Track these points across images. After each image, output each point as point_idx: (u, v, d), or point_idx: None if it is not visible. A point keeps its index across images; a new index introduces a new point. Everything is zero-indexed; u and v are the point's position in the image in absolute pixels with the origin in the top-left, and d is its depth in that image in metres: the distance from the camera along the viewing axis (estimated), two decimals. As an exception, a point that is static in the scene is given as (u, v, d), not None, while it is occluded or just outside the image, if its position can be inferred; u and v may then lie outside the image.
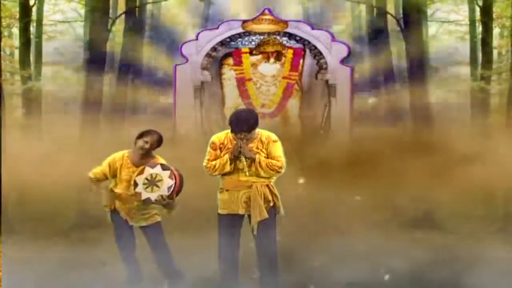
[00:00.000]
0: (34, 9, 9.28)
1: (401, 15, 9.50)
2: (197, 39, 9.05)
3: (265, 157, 5.15)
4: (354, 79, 9.05)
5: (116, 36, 9.63)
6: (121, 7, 9.78)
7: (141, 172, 5.27)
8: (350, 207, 7.67)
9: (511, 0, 9.24)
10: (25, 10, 9.18)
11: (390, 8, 9.88)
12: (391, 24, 9.73)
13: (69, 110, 9.00)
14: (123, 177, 5.37)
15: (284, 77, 9.13)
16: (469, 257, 6.36)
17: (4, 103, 8.65)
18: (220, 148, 5.21)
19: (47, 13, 9.55)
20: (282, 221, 5.39)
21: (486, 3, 9.23)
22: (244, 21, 9.07)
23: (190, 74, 9.01)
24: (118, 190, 5.40)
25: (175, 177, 5.26)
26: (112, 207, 5.43)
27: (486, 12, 9.24)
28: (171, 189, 5.24)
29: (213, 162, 5.18)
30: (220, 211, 5.27)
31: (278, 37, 9.07)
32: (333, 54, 9.02)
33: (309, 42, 9.06)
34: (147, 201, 5.29)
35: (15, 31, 9.37)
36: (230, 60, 9.18)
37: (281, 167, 5.17)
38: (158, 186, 5.25)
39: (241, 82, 9.14)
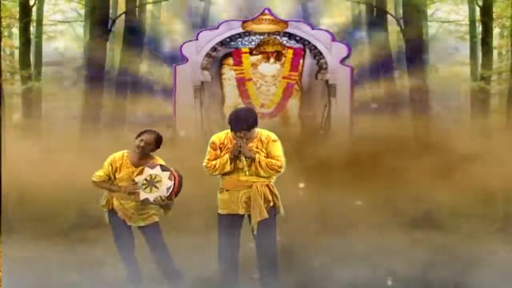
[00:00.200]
0: (34, 9, 9.27)
1: (401, 15, 9.50)
2: (197, 39, 9.06)
3: (264, 156, 5.15)
4: (354, 79, 9.05)
5: (116, 36, 9.63)
6: (121, 7, 9.77)
7: (140, 173, 5.27)
8: (350, 207, 7.67)
9: (511, 0, 9.23)
10: (25, 10, 9.18)
11: (390, 8, 9.87)
12: (391, 24, 9.73)
13: (69, 110, 8.99)
14: (123, 177, 5.37)
15: (284, 77, 9.13)
16: (469, 257, 6.36)
17: (4, 103, 8.64)
18: (220, 148, 5.22)
19: (47, 13, 9.55)
20: (282, 221, 5.39)
21: (486, 3, 9.23)
22: (244, 21, 9.07)
23: (190, 74, 9.01)
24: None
25: (174, 178, 5.26)
26: (110, 207, 5.42)
27: (486, 12, 9.24)
28: (170, 190, 5.24)
29: (213, 162, 5.18)
30: (220, 211, 5.27)
31: (278, 37, 9.07)
32: (333, 54, 9.02)
33: (309, 42, 9.07)
34: (146, 202, 5.29)
35: (15, 31, 9.37)
36: (230, 60, 9.18)
37: (280, 167, 5.17)
38: (157, 187, 5.25)
39: (241, 82, 9.14)
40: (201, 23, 9.81)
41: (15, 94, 9.21)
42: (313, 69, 9.17)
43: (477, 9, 9.39)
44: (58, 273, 5.92)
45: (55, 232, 7.37)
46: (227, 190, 5.24)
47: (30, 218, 7.57)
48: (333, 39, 9.07)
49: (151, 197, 5.26)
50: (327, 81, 9.08)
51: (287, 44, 9.10)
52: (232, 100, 9.04)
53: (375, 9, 9.99)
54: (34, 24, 9.37)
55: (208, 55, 9.06)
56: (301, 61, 9.14)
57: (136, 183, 5.26)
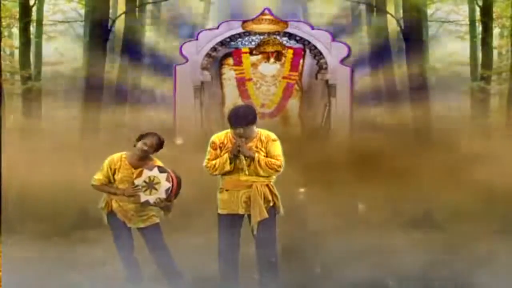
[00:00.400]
0: (34, 9, 9.27)
1: (401, 15, 9.50)
2: (197, 39, 9.06)
3: (264, 156, 5.16)
4: (353, 79, 9.05)
5: (116, 37, 9.63)
6: (121, 7, 9.78)
7: (139, 175, 5.27)
8: (351, 207, 7.67)
9: (511, 0, 9.24)
10: (25, 10, 9.18)
11: (390, 8, 9.88)
12: (391, 24, 9.73)
13: (69, 110, 8.99)
14: (122, 179, 5.36)
15: (284, 77, 9.14)
16: (469, 257, 6.36)
17: (4, 103, 8.64)
18: (220, 148, 5.22)
19: (47, 13, 9.55)
20: (282, 221, 5.38)
21: (486, 3, 9.23)
22: (244, 21, 9.08)
23: (190, 74, 9.02)
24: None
25: (172, 179, 5.26)
26: (109, 209, 5.42)
27: (486, 12, 9.25)
28: (168, 192, 5.24)
29: (213, 162, 5.18)
30: (220, 211, 5.27)
31: (278, 37, 9.08)
32: (333, 54, 9.03)
33: (309, 42, 9.07)
34: (146, 204, 5.29)
35: (15, 31, 9.37)
36: (230, 60, 9.18)
37: (280, 166, 5.17)
38: (156, 189, 5.25)
39: (241, 82, 9.14)
40: (201, 23, 9.82)
41: (15, 94, 9.21)
42: (313, 69, 9.17)
43: (477, 9, 9.39)
44: (58, 273, 5.92)
45: (55, 232, 7.37)
46: (227, 190, 5.24)
47: (30, 218, 7.57)
48: (333, 39, 9.07)
49: (151, 199, 5.26)
50: (327, 81, 9.08)
51: (287, 44, 9.10)
52: (232, 100, 9.04)
53: (375, 9, 9.99)
54: (34, 24, 9.37)
55: (208, 55, 9.06)
56: (301, 61, 9.15)
57: (136, 186, 5.26)
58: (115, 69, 9.53)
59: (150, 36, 9.79)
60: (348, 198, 7.63)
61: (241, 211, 5.22)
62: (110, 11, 9.47)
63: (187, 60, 9.01)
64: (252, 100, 8.97)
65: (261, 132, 5.25)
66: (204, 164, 5.23)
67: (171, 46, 9.47)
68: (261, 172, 5.15)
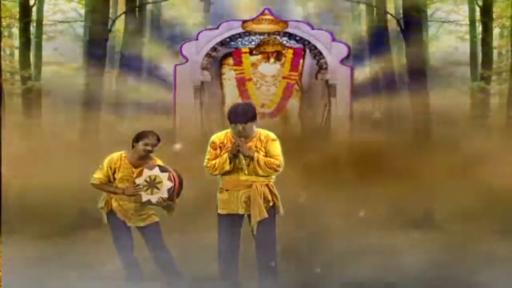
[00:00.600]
0: (34, 9, 9.28)
1: (401, 15, 9.50)
2: (197, 39, 9.06)
3: (263, 155, 5.16)
4: (354, 79, 9.06)
5: (116, 36, 9.64)
6: (121, 7, 9.79)
7: (140, 174, 5.26)
8: (351, 207, 7.66)
9: (511, 0, 9.24)
10: (25, 10, 9.19)
11: (390, 8, 9.89)
12: (391, 24, 9.73)
13: (69, 110, 8.99)
14: (122, 178, 5.36)
15: (284, 77, 9.14)
16: (469, 257, 6.36)
17: (4, 103, 8.64)
18: (220, 148, 5.22)
19: (47, 13, 9.56)
20: (282, 221, 5.38)
21: (486, 3, 9.24)
22: (244, 21, 9.08)
23: (190, 74, 9.02)
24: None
25: (174, 179, 5.25)
26: (109, 208, 5.42)
27: (486, 12, 9.26)
28: (171, 191, 5.24)
29: (213, 162, 5.18)
30: (219, 211, 5.27)
31: (278, 37, 9.08)
32: (333, 54, 9.03)
33: (309, 42, 9.07)
34: (148, 203, 5.29)
35: (15, 31, 9.38)
36: (230, 60, 9.18)
37: (279, 166, 5.17)
38: (158, 188, 5.25)
39: (241, 82, 9.14)
40: (201, 23, 9.82)
41: (15, 94, 9.22)
42: (313, 69, 9.17)
43: (477, 9, 9.41)
44: (58, 273, 5.92)
45: (55, 232, 7.36)
46: (226, 190, 5.24)
47: (30, 218, 7.56)
48: (333, 39, 9.07)
49: (153, 198, 5.26)
50: (327, 81, 9.08)
51: (287, 44, 9.10)
52: (232, 100, 9.03)
53: (375, 9, 10.00)
54: (34, 24, 9.38)
55: (208, 55, 9.06)
56: (301, 61, 9.15)
57: (137, 185, 5.25)
58: (115, 69, 9.53)
59: (150, 36, 9.79)
60: (348, 198, 7.62)
61: (241, 211, 5.22)
62: (110, 11, 9.47)
63: (187, 60, 9.01)
64: (252, 100, 8.97)
65: (260, 131, 5.26)
66: (204, 164, 5.23)
67: (171, 46, 9.47)
68: (260, 172, 5.15)
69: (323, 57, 9.04)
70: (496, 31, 9.41)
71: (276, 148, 5.21)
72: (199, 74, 9.05)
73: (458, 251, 6.65)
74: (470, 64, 9.50)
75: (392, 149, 8.02)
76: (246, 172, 5.15)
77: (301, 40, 9.09)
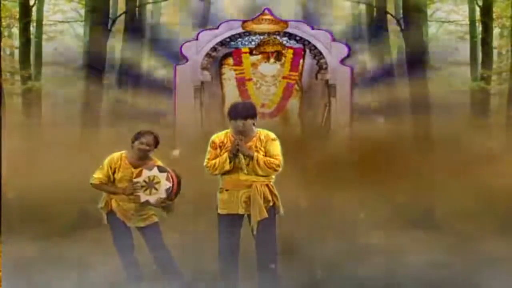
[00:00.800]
0: (34, 9, 9.29)
1: (401, 15, 9.50)
2: (197, 39, 9.06)
3: (263, 155, 5.16)
4: (354, 79, 9.06)
5: (116, 36, 9.64)
6: (121, 7, 9.79)
7: (139, 175, 5.27)
8: (351, 207, 7.66)
9: (511, 0, 9.25)
10: (25, 10, 9.19)
11: (390, 8, 9.89)
12: (391, 24, 9.73)
13: (69, 110, 8.99)
14: (122, 178, 5.36)
15: (284, 77, 9.14)
16: (469, 257, 6.36)
17: (4, 103, 8.64)
18: (220, 147, 5.22)
19: (47, 13, 9.57)
20: (282, 221, 5.38)
21: (486, 3, 9.24)
22: (244, 21, 9.08)
23: (190, 74, 9.02)
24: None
25: (172, 179, 5.26)
26: (109, 208, 5.42)
27: (486, 12, 9.26)
28: (169, 192, 5.24)
29: (213, 161, 5.18)
30: (220, 211, 5.27)
31: (278, 37, 9.08)
32: (333, 54, 9.03)
33: (309, 42, 9.07)
34: (146, 204, 5.29)
35: (15, 31, 9.39)
36: (230, 60, 9.18)
37: (278, 165, 5.17)
38: (156, 189, 5.25)
39: (241, 82, 9.14)
40: (201, 23, 9.82)
41: (15, 94, 9.22)
42: (313, 69, 9.18)
43: (477, 9, 9.41)
44: (58, 273, 5.92)
45: (55, 232, 7.36)
46: (226, 190, 5.24)
47: (30, 218, 7.55)
48: (333, 39, 9.08)
49: (152, 199, 5.26)
50: (327, 81, 9.08)
51: (287, 44, 9.11)
52: (232, 100, 9.01)
53: (375, 9, 10.00)
54: (34, 24, 9.38)
55: (208, 55, 9.06)
56: (301, 61, 9.15)
57: (135, 183, 5.25)
58: (115, 69, 9.53)
59: (150, 36, 9.79)
60: (348, 198, 7.62)
61: (241, 211, 5.22)
62: (110, 11, 9.48)
63: (187, 60, 9.01)
64: (252, 100, 8.96)
65: (260, 131, 5.26)
66: (204, 163, 5.23)
67: (171, 46, 9.47)
68: (260, 171, 5.15)
69: (323, 57, 9.04)
70: (496, 31, 9.42)
71: (276, 148, 5.21)
72: (199, 74, 9.05)
73: (458, 251, 6.65)
74: (470, 64, 9.51)
75: (392, 149, 8.02)
76: (245, 171, 5.15)
77: (301, 40, 9.09)
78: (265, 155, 5.17)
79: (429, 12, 9.64)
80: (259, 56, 9.13)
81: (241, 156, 5.13)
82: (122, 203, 5.37)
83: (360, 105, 9.15)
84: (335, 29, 9.43)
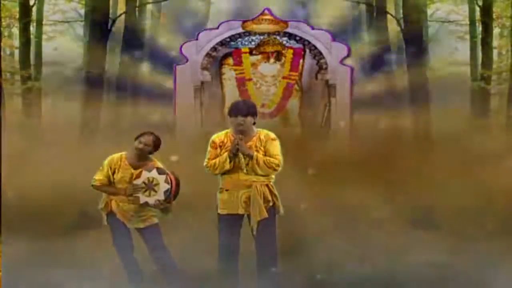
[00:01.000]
0: (34, 9, 9.29)
1: (401, 15, 9.51)
2: (197, 39, 9.06)
3: (263, 155, 5.16)
4: (354, 79, 9.06)
5: (116, 36, 9.64)
6: (121, 7, 9.79)
7: (138, 176, 5.27)
8: (350, 207, 7.66)
9: (511, 0, 9.25)
10: (25, 10, 9.19)
11: (390, 8, 9.89)
12: (391, 24, 9.74)
13: (69, 110, 8.99)
14: (121, 179, 5.36)
15: (284, 77, 9.14)
16: (468, 257, 6.36)
17: (4, 103, 8.65)
18: (220, 147, 5.23)
19: (47, 13, 9.57)
20: (282, 221, 5.38)
21: (486, 3, 9.24)
22: (244, 21, 9.08)
23: (190, 74, 9.02)
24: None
25: (170, 181, 5.26)
26: (109, 209, 5.42)
27: (486, 12, 9.26)
28: (167, 194, 5.24)
29: (213, 161, 5.19)
30: (220, 211, 5.27)
31: (278, 37, 9.08)
32: (333, 54, 9.03)
33: (309, 42, 9.07)
34: (145, 205, 5.29)
35: (15, 31, 9.39)
36: (230, 60, 9.18)
37: (278, 165, 5.17)
38: (155, 191, 5.25)
39: (241, 82, 9.14)
40: (201, 23, 9.82)
41: (15, 94, 9.22)
42: (313, 69, 9.18)
43: (477, 9, 9.41)
44: (58, 273, 5.92)
45: (55, 232, 7.36)
46: (226, 190, 5.24)
47: (30, 218, 7.55)
48: (333, 39, 9.08)
49: (150, 200, 5.26)
50: (327, 81, 9.08)
51: (287, 44, 9.11)
52: (232, 100, 9.02)
53: (375, 9, 10.00)
54: (34, 24, 9.38)
55: (208, 55, 9.07)
56: (301, 61, 9.15)
57: (135, 186, 5.25)
58: (115, 69, 9.54)
59: (150, 36, 9.79)
60: (348, 198, 7.62)
61: (241, 211, 5.22)
62: (110, 11, 9.48)
63: (187, 60, 9.01)
64: (252, 100, 8.97)
65: (260, 131, 5.27)
66: (205, 163, 5.23)
67: (171, 46, 9.47)
68: (259, 171, 5.15)
69: (323, 57, 9.04)
70: (496, 31, 9.42)
71: (276, 147, 5.21)
72: (199, 74, 9.05)
73: (458, 251, 6.65)
74: (470, 64, 9.51)
75: (392, 149, 8.02)
76: (245, 171, 5.15)
77: (301, 40, 9.09)
78: (265, 155, 5.17)
79: (429, 12, 9.65)
80: (259, 56, 9.13)
81: (241, 155, 5.13)
82: (122, 204, 5.37)
83: (360, 105, 9.14)
84: (335, 29, 9.43)
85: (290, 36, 9.09)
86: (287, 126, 9.07)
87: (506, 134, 8.49)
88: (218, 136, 5.29)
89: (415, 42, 9.13)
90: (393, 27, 9.70)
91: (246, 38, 9.11)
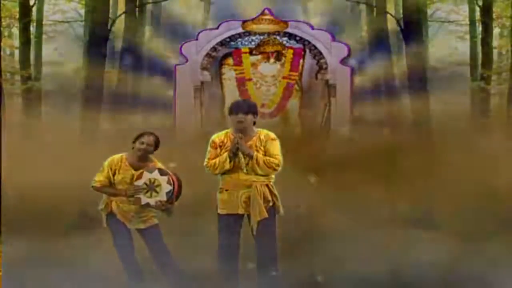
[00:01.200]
0: (34, 9, 9.30)
1: (401, 15, 9.51)
2: (197, 39, 9.06)
3: (263, 155, 5.17)
4: (354, 79, 9.07)
5: (116, 36, 9.64)
6: (121, 7, 9.79)
7: (140, 177, 5.26)
8: (350, 207, 7.66)
9: (511, 0, 9.25)
10: (25, 10, 9.19)
11: (390, 8, 9.90)
12: (391, 24, 9.74)
13: (69, 110, 8.99)
14: (121, 180, 5.35)
15: (284, 77, 9.14)
16: (468, 257, 6.36)
17: (4, 103, 8.65)
18: (220, 147, 5.23)
19: (47, 13, 9.58)
20: (281, 221, 5.38)
21: (486, 3, 9.24)
22: (244, 21, 9.08)
23: (190, 74, 9.02)
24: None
25: (173, 182, 5.25)
26: (109, 210, 5.41)
27: (486, 12, 9.26)
28: (170, 195, 5.24)
29: (213, 161, 5.19)
30: (219, 211, 5.27)
31: (278, 37, 9.08)
32: (333, 54, 9.03)
33: (309, 42, 9.08)
34: (147, 206, 5.29)
35: (15, 31, 9.39)
36: (230, 60, 9.19)
37: (278, 165, 5.18)
38: (157, 192, 5.24)
39: (241, 82, 9.14)
40: (201, 23, 9.83)
41: (15, 94, 9.22)
42: (313, 69, 9.18)
43: (477, 9, 9.41)
44: (58, 273, 5.92)
45: (55, 232, 7.36)
46: (226, 190, 5.24)
47: (30, 218, 7.55)
48: (333, 39, 9.08)
49: (152, 201, 5.25)
50: (327, 81, 9.09)
51: (287, 44, 9.11)
52: (232, 100, 9.03)
53: (375, 9, 10.01)
54: (34, 24, 9.38)
55: (208, 55, 9.07)
56: (301, 61, 9.15)
57: (136, 187, 5.25)
58: (115, 69, 9.54)
59: (150, 36, 9.79)
60: (348, 198, 7.62)
61: (241, 211, 5.22)
62: (110, 11, 9.48)
63: (187, 60, 9.01)
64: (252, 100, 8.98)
65: (260, 131, 5.27)
66: (205, 163, 5.23)
67: (171, 46, 9.47)
68: (259, 171, 5.15)
69: (323, 57, 9.04)
70: (496, 31, 9.42)
71: (276, 147, 5.22)
72: (199, 74, 9.05)
73: (458, 251, 6.65)
74: (470, 64, 9.51)
75: (392, 149, 8.02)
76: (245, 170, 5.15)
77: (301, 40, 9.09)
78: (265, 155, 5.17)
79: (429, 12, 9.66)
80: (259, 56, 9.14)
81: (241, 155, 5.14)
82: (122, 205, 5.36)
83: (360, 105, 9.15)
84: (335, 29, 9.44)
85: (290, 36, 9.09)
86: (287, 126, 9.07)
87: (506, 134, 8.48)
88: (218, 136, 5.29)
89: (415, 42, 9.12)
90: (393, 27, 9.70)
91: (246, 38, 9.12)
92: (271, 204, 5.22)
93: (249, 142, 5.19)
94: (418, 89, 8.93)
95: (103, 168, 5.38)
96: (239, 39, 9.12)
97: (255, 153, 5.14)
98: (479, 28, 9.45)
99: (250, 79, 9.13)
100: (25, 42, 9.24)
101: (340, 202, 7.56)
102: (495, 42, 9.36)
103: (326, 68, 9.05)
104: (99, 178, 5.37)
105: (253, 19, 9.08)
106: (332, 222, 7.42)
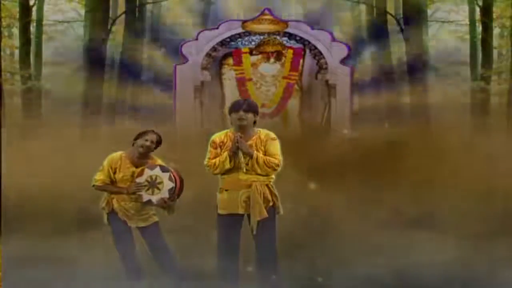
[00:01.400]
0: (34, 9, 9.31)
1: (401, 15, 9.51)
2: (197, 39, 9.07)
3: (263, 154, 5.17)
4: (354, 79, 9.07)
5: (116, 36, 9.64)
6: (121, 7, 9.79)
7: (141, 174, 5.25)
8: (350, 207, 7.66)
9: (511, 0, 9.25)
10: (25, 10, 9.20)
11: (390, 8, 9.90)
12: (391, 24, 9.74)
13: (69, 110, 8.99)
14: (122, 178, 5.35)
15: (284, 77, 9.15)
16: (468, 257, 6.36)
17: (4, 103, 8.65)
18: (220, 147, 5.23)
19: (47, 13, 9.58)
20: (281, 221, 5.38)
21: (486, 3, 9.25)
22: (244, 21, 9.09)
23: (190, 74, 9.02)
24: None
25: (175, 179, 5.25)
26: (110, 208, 5.41)
27: (486, 12, 9.27)
28: (172, 192, 5.23)
29: (213, 160, 5.19)
30: (219, 211, 5.27)
31: (278, 37, 9.08)
32: (333, 54, 9.04)
33: (309, 42, 9.08)
34: (148, 204, 5.28)
35: (15, 31, 9.39)
36: (230, 60, 9.19)
37: (277, 165, 5.18)
38: (159, 189, 5.24)
39: (241, 82, 9.15)
40: (201, 23, 9.83)
41: (15, 94, 9.22)
42: (313, 69, 9.19)
43: (477, 9, 9.42)
44: (58, 273, 5.91)
45: (55, 232, 7.36)
46: (226, 190, 5.24)
47: (30, 218, 7.55)
48: (333, 39, 9.08)
49: (154, 199, 5.25)
50: (327, 81, 9.09)
51: (287, 44, 9.11)
52: (232, 100, 9.02)
53: (375, 9, 10.01)
54: (34, 24, 9.38)
55: (208, 55, 9.07)
56: (301, 61, 9.16)
57: (138, 184, 5.24)
58: (115, 69, 9.54)
59: (150, 36, 9.79)
60: (348, 198, 7.62)
61: (241, 211, 5.22)
62: (110, 11, 9.48)
63: (187, 60, 9.01)
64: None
65: (260, 131, 5.28)
66: (205, 163, 5.24)
67: (171, 46, 9.47)
68: (259, 171, 5.15)
69: (323, 57, 9.05)
70: (496, 31, 9.43)
71: (276, 147, 5.22)
72: (199, 74, 9.05)
73: (458, 251, 6.65)
74: (470, 64, 9.52)
75: (392, 149, 8.02)
76: (244, 170, 5.15)
77: (301, 40, 9.10)
78: (265, 155, 5.18)
79: (429, 12, 9.66)
80: (259, 56, 9.14)
81: (241, 155, 5.14)
82: (124, 202, 5.36)
83: (360, 105, 9.15)
84: (335, 29, 9.45)
85: (290, 36, 9.10)
86: (287, 126, 9.07)
87: (506, 134, 8.48)
88: (218, 136, 5.29)
89: (415, 42, 9.13)
90: (393, 27, 9.70)
91: (246, 38, 9.12)
92: (271, 204, 5.22)
93: (249, 142, 5.19)
94: (418, 89, 8.93)
95: (103, 167, 5.38)
96: (239, 39, 9.13)
97: (255, 152, 5.14)
98: (479, 28, 9.46)
99: (250, 79, 9.13)
100: (25, 42, 9.25)
101: (340, 202, 7.56)
102: (495, 42, 9.37)
103: (326, 68, 9.05)
104: (100, 177, 5.37)
105: (253, 19, 9.08)
106: (333, 223, 7.42)
